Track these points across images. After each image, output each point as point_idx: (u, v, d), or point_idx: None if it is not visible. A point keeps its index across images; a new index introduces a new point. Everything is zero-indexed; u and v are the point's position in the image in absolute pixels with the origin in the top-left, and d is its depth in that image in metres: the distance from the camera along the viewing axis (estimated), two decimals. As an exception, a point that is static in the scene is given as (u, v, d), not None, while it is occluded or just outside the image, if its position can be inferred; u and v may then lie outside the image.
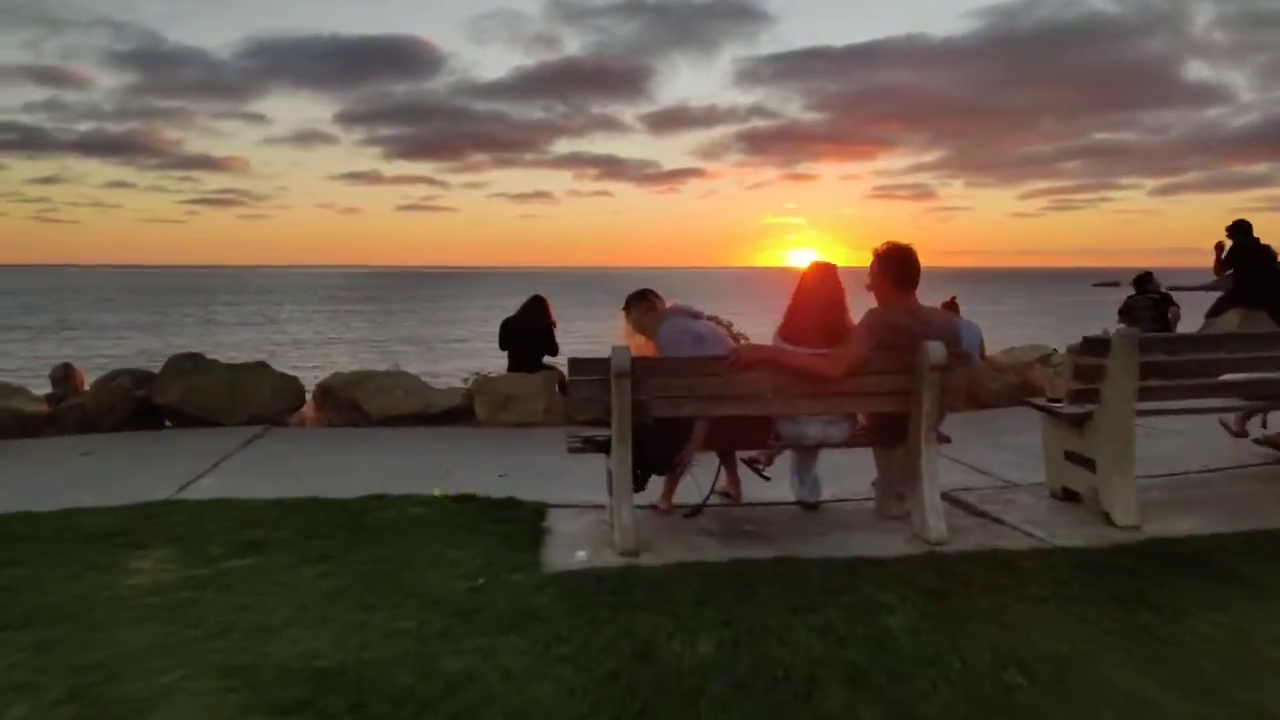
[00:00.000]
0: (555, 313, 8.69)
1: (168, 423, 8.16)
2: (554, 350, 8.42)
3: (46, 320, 56.34)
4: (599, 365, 4.13)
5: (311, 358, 31.82)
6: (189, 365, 8.22)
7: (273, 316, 65.18)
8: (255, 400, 8.12)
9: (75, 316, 61.08)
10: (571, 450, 4.49)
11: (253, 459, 6.63)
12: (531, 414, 7.91)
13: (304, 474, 5.93)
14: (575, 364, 4.26)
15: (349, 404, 8.16)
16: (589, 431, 4.45)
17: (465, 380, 8.93)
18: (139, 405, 7.98)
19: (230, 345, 34.63)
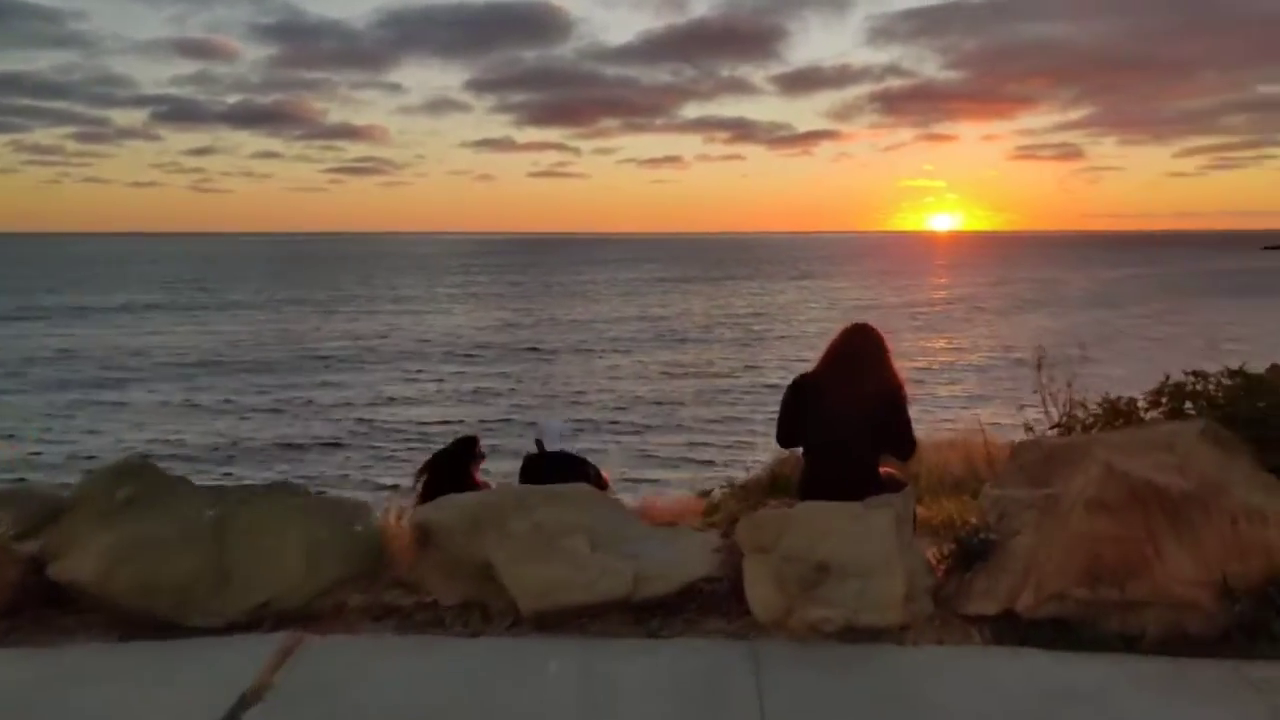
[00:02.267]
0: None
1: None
2: (902, 444, 4.03)
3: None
4: None
5: (414, 405, 25.04)
6: (126, 494, 3.80)
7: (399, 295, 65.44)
8: (270, 573, 3.62)
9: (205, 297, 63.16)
10: None
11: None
12: (880, 605, 3.33)
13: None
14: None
15: (473, 569, 3.67)
16: None
17: (708, 493, 5.15)
18: (28, 580, 3.62)
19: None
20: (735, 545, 3.57)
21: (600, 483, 5.34)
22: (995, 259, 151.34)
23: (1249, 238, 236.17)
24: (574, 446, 5.51)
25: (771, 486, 5.33)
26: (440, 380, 30.74)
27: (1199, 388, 3.80)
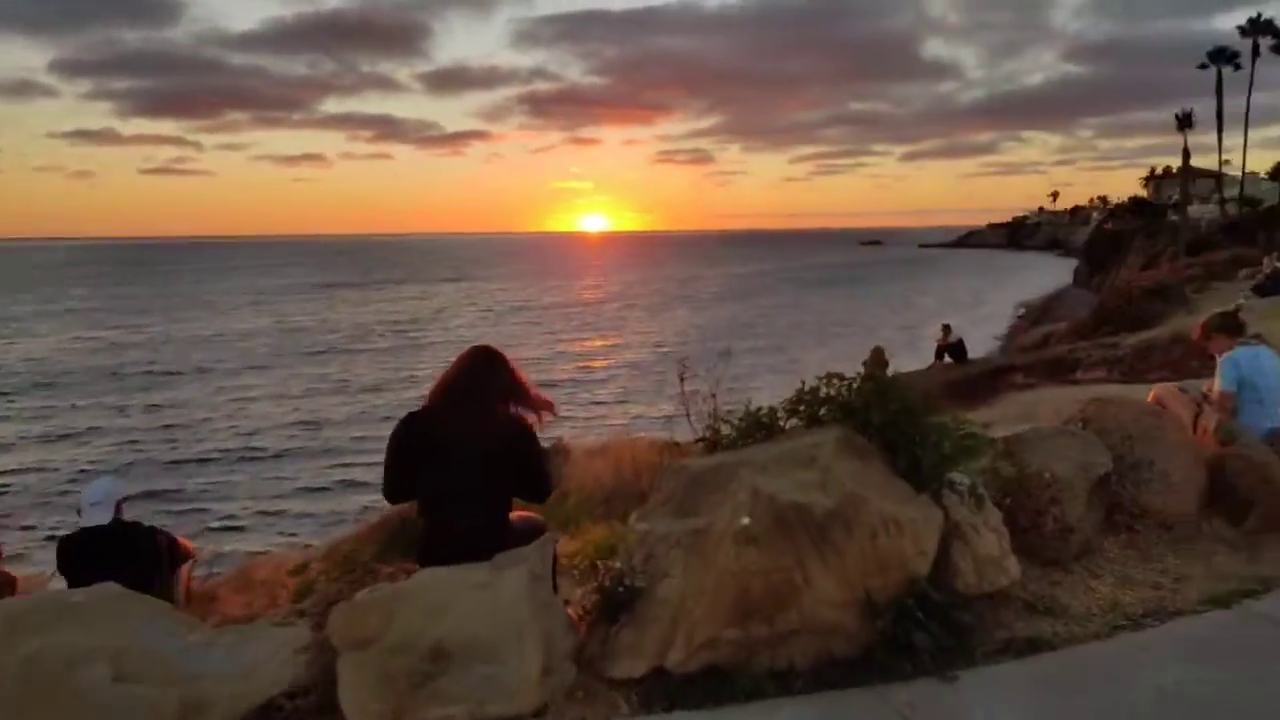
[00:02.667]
0: None
1: None
2: (536, 486, 3.39)
3: None
4: None
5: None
6: None
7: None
8: None
9: None
10: None
11: None
12: (511, 691, 2.74)
13: None
14: None
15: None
16: None
17: (303, 568, 4.61)
18: None
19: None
20: (329, 641, 2.76)
21: (175, 557, 4.21)
22: (643, 258, 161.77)
23: (849, 235, 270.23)
24: (146, 508, 4.31)
25: (401, 531, 4.56)
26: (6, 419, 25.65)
27: (833, 393, 3.62)
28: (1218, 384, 5.06)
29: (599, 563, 3.43)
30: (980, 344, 35.30)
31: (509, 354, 3.46)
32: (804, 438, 3.58)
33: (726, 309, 59.36)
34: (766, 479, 3.22)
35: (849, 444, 3.47)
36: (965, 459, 3.65)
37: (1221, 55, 52.04)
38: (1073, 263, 73.20)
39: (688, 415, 4.07)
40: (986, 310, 51.51)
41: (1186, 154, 58.10)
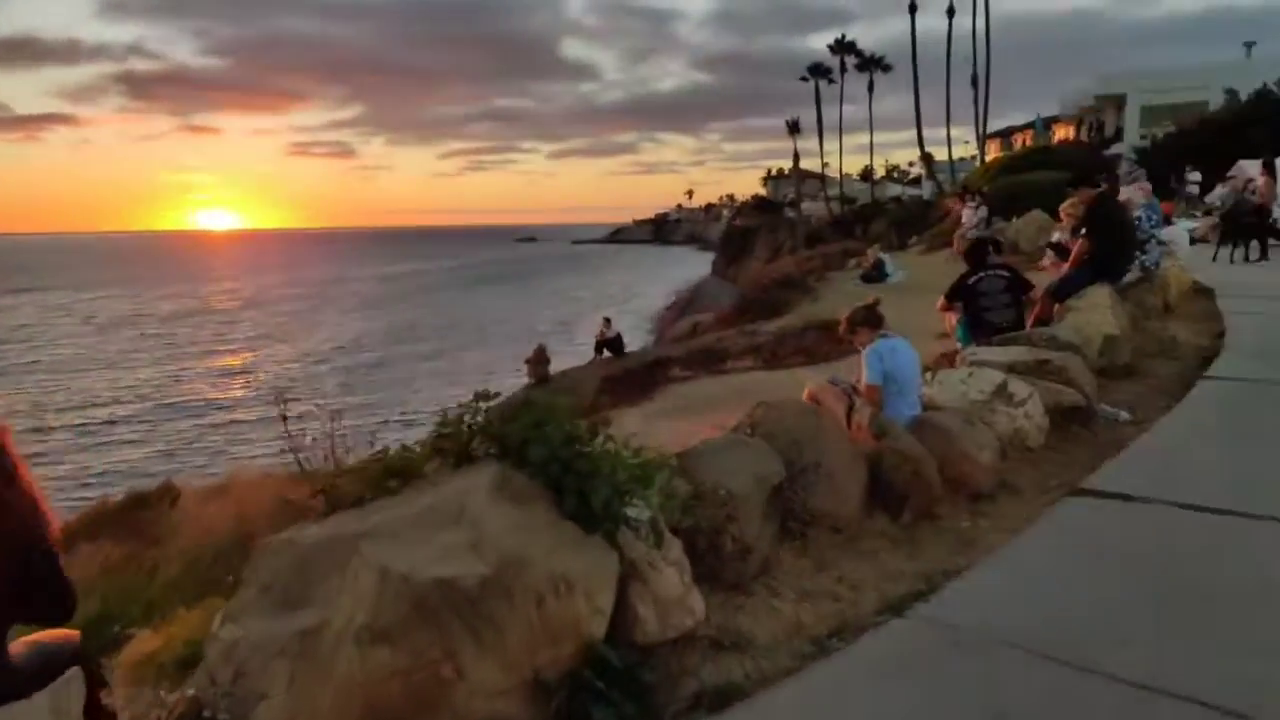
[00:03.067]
0: None
1: None
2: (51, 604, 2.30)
3: None
4: None
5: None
6: None
7: None
8: None
9: None
10: None
11: None
12: None
13: None
14: None
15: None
16: None
17: None
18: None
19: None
20: None
21: None
22: (283, 257, 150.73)
23: (504, 231, 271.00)
24: None
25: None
26: None
27: (479, 423, 2.94)
28: (865, 377, 5.12)
29: (163, 693, 2.46)
30: (636, 336, 36.97)
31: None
32: (451, 484, 2.87)
33: (382, 311, 56.77)
34: (400, 550, 2.47)
35: (505, 487, 2.81)
36: (641, 488, 3.15)
37: (818, 70, 59.25)
38: (711, 255, 79.84)
39: (298, 461, 3.17)
40: (640, 303, 54.24)
41: (796, 157, 65.38)
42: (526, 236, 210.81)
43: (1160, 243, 9.07)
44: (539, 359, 20.43)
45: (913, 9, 50.77)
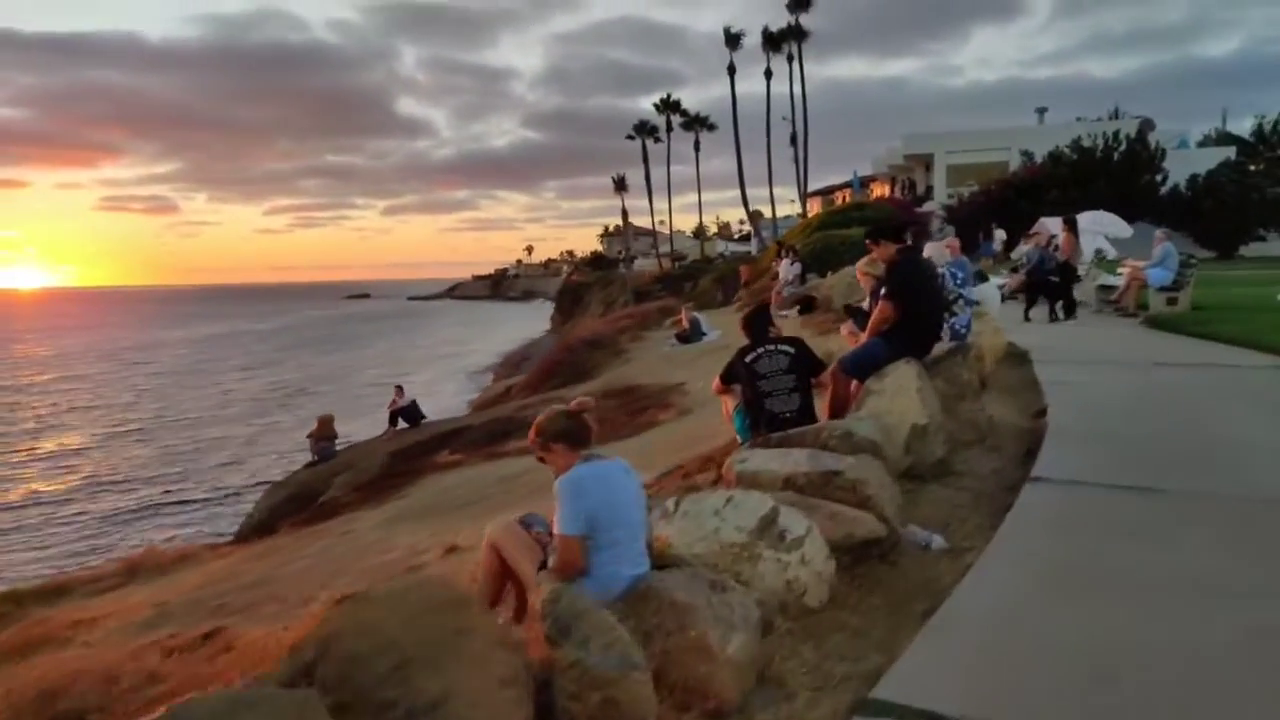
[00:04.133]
0: None
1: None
2: None
3: None
4: None
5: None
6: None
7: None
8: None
9: None
10: None
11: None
12: None
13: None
14: None
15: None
16: None
17: None
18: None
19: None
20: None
21: None
22: (90, 318, 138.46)
23: (335, 288, 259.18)
24: None
25: None
26: None
27: None
28: (556, 523, 3.37)
29: None
30: (460, 398, 34.45)
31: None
32: None
33: (194, 378, 51.38)
34: None
35: None
36: None
37: (643, 129, 59.40)
38: (550, 309, 78.02)
39: None
40: (473, 359, 51.54)
41: (625, 213, 65.11)
42: (359, 293, 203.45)
43: (969, 303, 7.95)
44: (322, 433, 17.95)
45: (731, 71, 51.68)
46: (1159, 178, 33.77)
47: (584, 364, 18.08)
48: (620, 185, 64.23)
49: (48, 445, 30.41)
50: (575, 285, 76.56)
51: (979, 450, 5.89)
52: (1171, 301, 14.32)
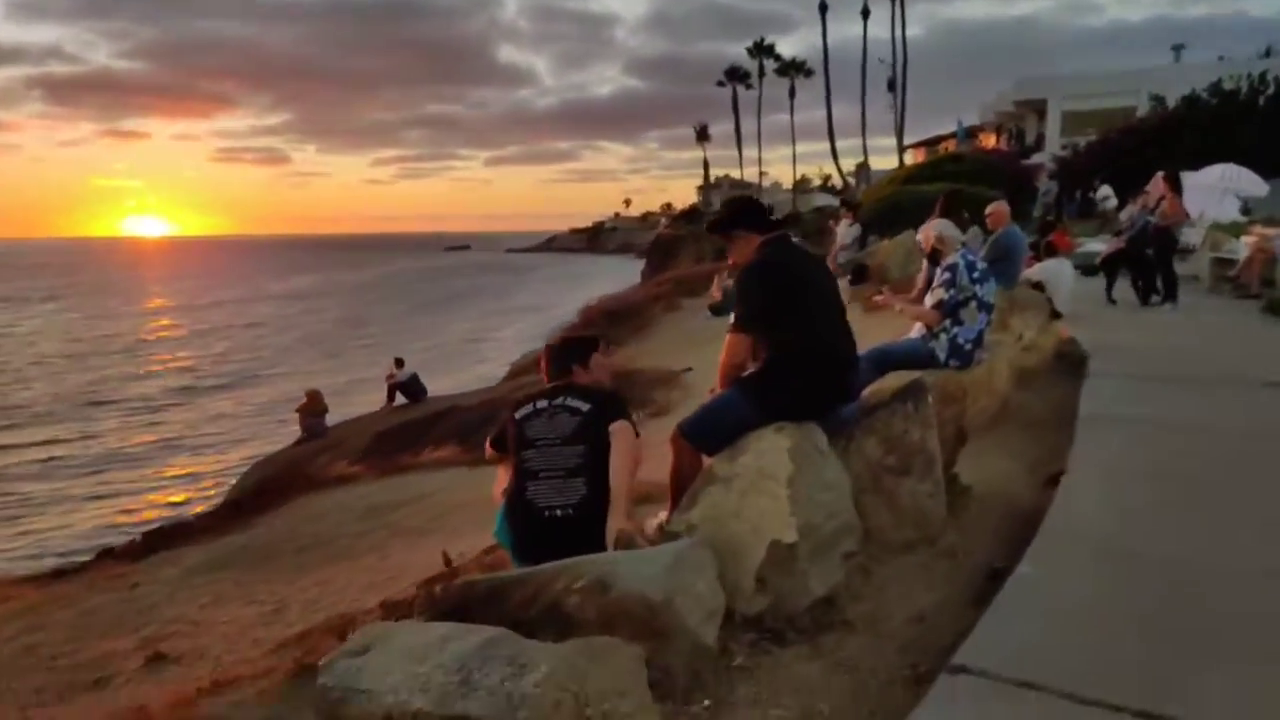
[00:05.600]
0: None
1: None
2: None
3: None
4: None
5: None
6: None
7: None
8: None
9: None
10: None
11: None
12: None
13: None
14: None
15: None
16: None
17: None
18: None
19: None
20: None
21: None
22: (216, 266, 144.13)
23: (436, 239, 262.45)
24: None
25: None
26: None
27: None
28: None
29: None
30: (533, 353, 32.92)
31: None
32: None
33: (270, 329, 51.86)
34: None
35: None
36: None
37: (735, 74, 56.09)
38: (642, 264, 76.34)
39: None
40: (558, 312, 50.33)
41: (706, 164, 62.49)
42: (459, 245, 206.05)
43: (984, 306, 5.56)
44: (312, 407, 16.63)
45: (823, 9, 47.92)
46: (1313, 124, 28.95)
47: (605, 339, 16.07)
48: (702, 134, 61.35)
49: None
50: (668, 239, 74.28)
51: (915, 564, 3.65)
52: (1309, 281, 11.33)
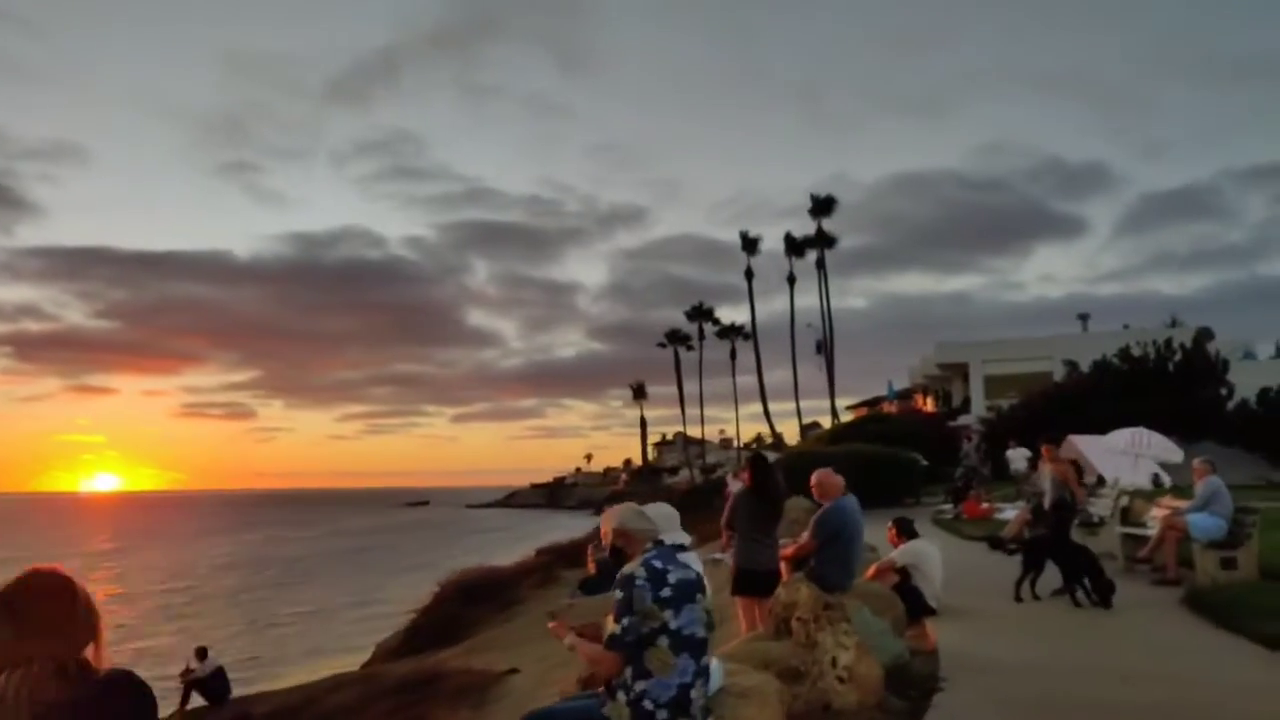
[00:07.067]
0: None
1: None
2: None
3: None
4: None
5: None
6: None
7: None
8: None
9: None
10: None
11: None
12: None
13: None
14: None
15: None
16: None
17: None
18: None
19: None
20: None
21: None
22: (168, 522, 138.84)
23: (397, 494, 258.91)
24: None
25: None
26: None
27: None
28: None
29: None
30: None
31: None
32: None
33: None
34: None
35: None
36: None
37: (675, 336, 58.03)
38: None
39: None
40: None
41: (643, 423, 63.23)
42: (419, 500, 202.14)
43: (683, 644, 3.51)
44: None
45: (749, 276, 50.56)
46: (1224, 391, 29.46)
47: (460, 619, 14.13)
48: (639, 393, 62.63)
49: None
50: (620, 496, 73.42)
51: None
52: (1228, 563, 9.88)
